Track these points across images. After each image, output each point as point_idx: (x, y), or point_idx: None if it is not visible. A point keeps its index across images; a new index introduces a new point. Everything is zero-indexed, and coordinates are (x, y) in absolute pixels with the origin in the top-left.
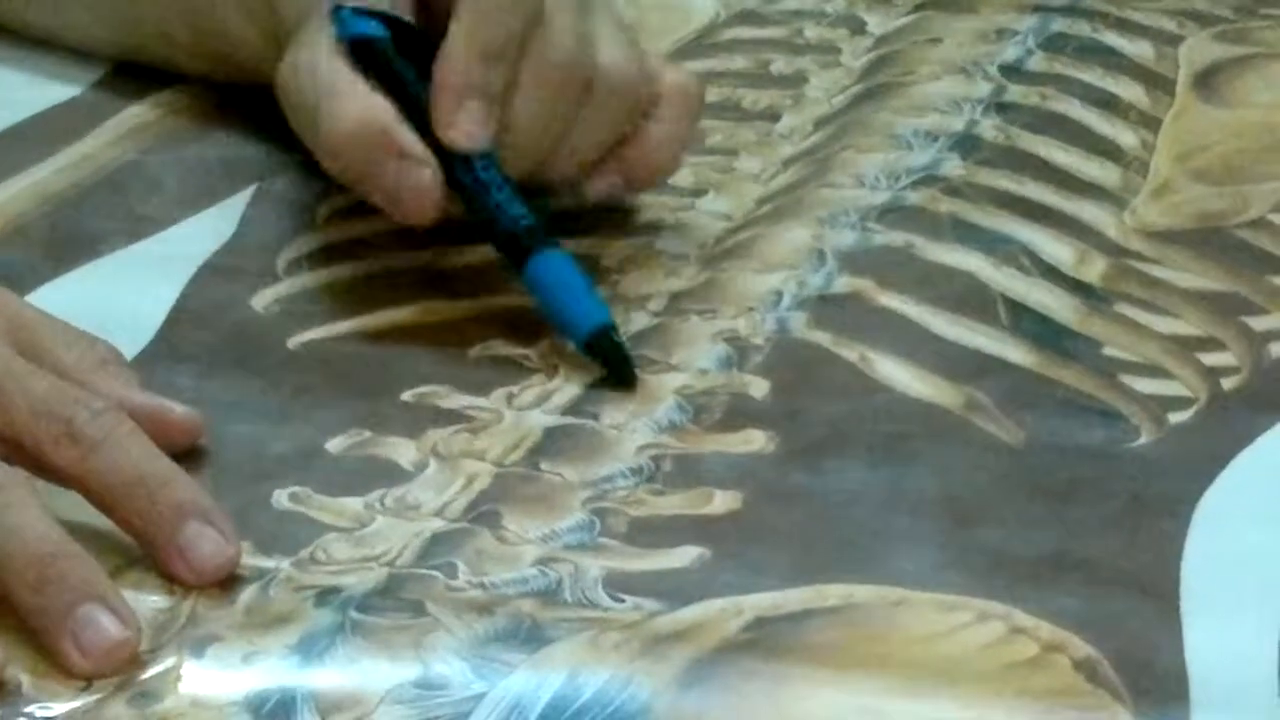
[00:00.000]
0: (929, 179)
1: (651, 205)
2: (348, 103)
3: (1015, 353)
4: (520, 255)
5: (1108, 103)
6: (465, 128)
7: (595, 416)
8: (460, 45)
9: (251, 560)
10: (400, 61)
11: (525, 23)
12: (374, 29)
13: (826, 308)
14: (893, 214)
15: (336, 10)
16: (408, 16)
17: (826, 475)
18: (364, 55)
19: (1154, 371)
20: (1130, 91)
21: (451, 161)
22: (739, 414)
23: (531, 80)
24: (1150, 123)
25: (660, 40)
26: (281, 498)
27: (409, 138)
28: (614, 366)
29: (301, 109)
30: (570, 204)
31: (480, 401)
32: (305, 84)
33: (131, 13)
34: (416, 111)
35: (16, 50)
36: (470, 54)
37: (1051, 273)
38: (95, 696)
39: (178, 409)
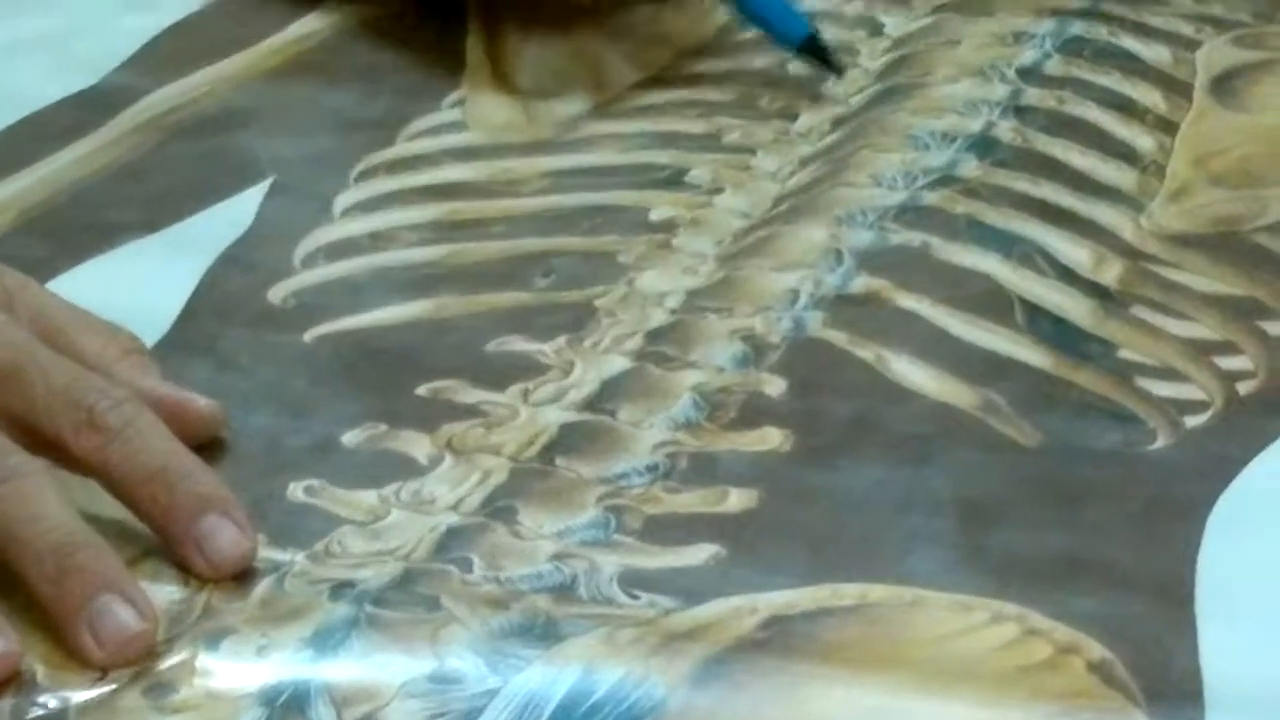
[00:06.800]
0: (946, 180)
1: (669, 202)
2: None
3: (1031, 354)
4: None
5: (1125, 106)
6: None
7: (611, 413)
8: None
9: (266, 553)
10: None
11: None
12: None
13: (843, 307)
14: (909, 214)
15: None
16: None
17: (842, 474)
18: None
19: (1170, 375)
20: (1148, 95)
21: None
22: (755, 412)
23: None
24: (1167, 127)
25: (677, 40)
26: (297, 490)
27: None
28: (827, 62)
29: None
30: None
31: (496, 397)
32: None
33: None
34: None
35: (35, 39)
36: None
37: (1068, 275)
38: (110, 687)
39: (199, 401)
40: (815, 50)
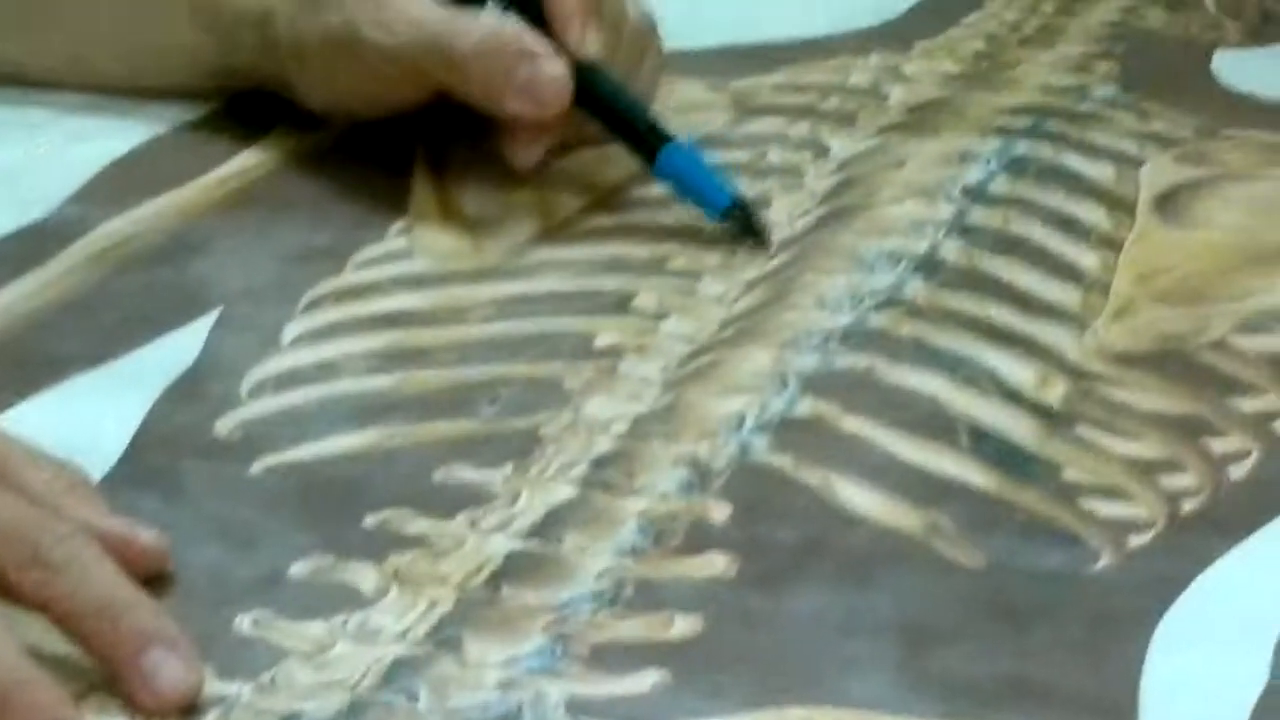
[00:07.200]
0: (891, 301)
1: (616, 328)
2: (474, 23)
3: (976, 476)
4: (652, 148)
5: (1070, 225)
6: (597, 40)
7: (557, 541)
8: None
9: (213, 686)
10: None
11: None
12: None
13: (788, 432)
14: (855, 337)
15: None
16: None
17: (787, 599)
18: None
19: (1114, 494)
20: (1092, 214)
21: (578, 74)
22: (700, 538)
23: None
24: (1112, 245)
25: (622, 166)
26: (244, 623)
27: (540, 40)
28: (751, 232)
29: (403, 50)
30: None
31: (443, 526)
32: (402, 30)
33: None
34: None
35: None
36: None
37: (1012, 395)
38: None
39: (144, 534)
40: (741, 218)
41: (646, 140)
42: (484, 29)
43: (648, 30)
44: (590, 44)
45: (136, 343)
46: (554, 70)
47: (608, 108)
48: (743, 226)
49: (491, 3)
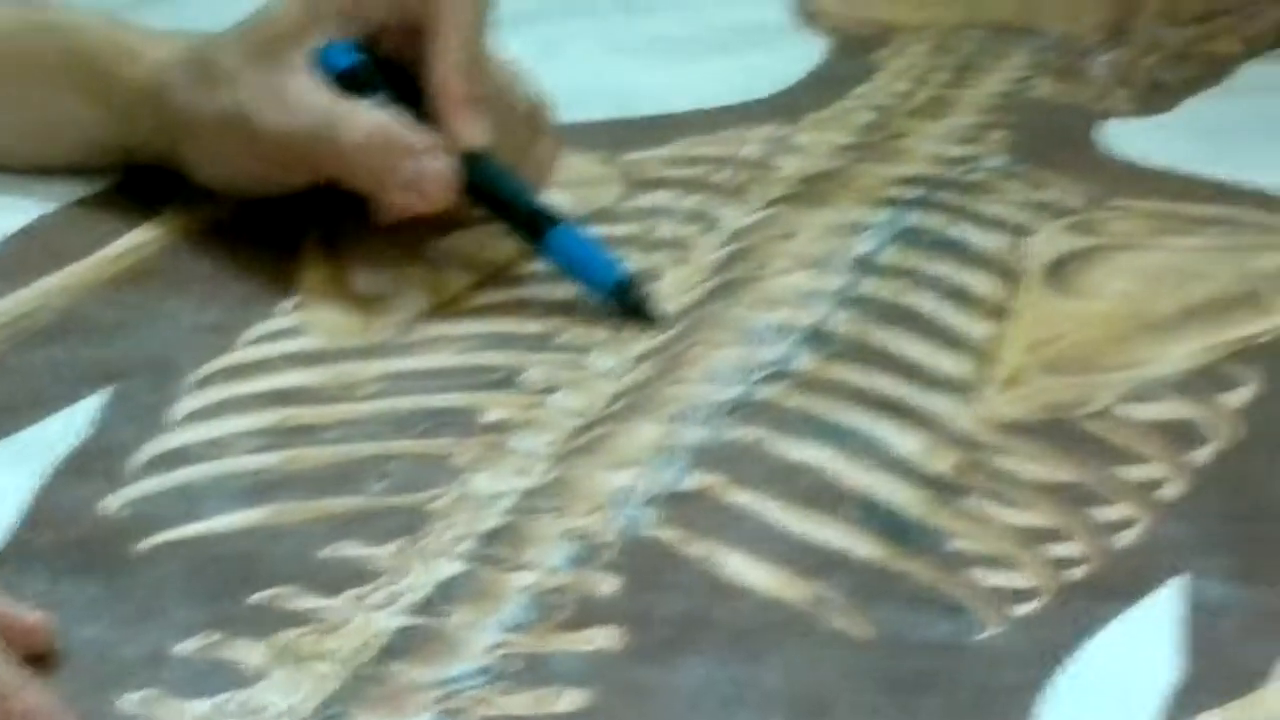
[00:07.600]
0: (780, 374)
1: (504, 403)
2: (359, 117)
3: (864, 547)
4: (539, 231)
5: (960, 295)
6: (482, 128)
7: (445, 616)
8: (456, 60)
9: None
10: (383, 83)
11: None
12: (357, 60)
13: (676, 505)
14: (743, 410)
15: (322, 49)
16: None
17: (675, 672)
18: (350, 83)
19: (1000, 563)
20: (982, 284)
21: (464, 163)
22: (588, 612)
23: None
24: (1002, 314)
25: (510, 243)
26: (130, 702)
27: (422, 135)
28: (639, 312)
29: (292, 137)
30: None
31: (330, 602)
32: (290, 116)
33: None
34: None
35: None
36: (469, 69)
37: (901, 466)
38: None
39: (30, 614)
40: (631, 297)
41: (533, 225)
42: (370, 124)
43: (539, 113)
44: (475, 134)
45: (25, 421)
46: (438, 166)
47: (493, 195)
48: (631, 305)
49: (382, 92)
